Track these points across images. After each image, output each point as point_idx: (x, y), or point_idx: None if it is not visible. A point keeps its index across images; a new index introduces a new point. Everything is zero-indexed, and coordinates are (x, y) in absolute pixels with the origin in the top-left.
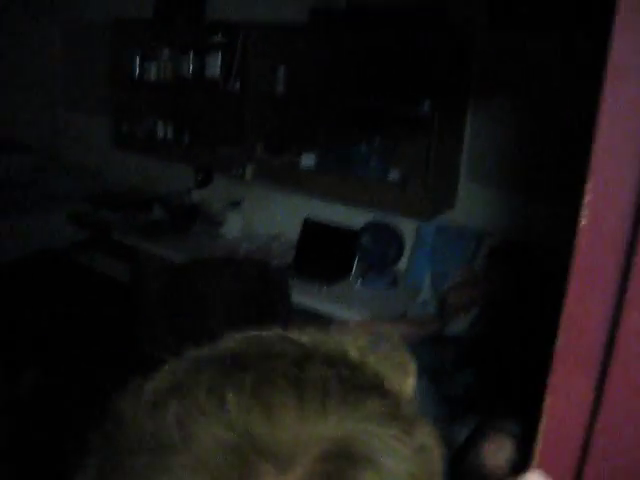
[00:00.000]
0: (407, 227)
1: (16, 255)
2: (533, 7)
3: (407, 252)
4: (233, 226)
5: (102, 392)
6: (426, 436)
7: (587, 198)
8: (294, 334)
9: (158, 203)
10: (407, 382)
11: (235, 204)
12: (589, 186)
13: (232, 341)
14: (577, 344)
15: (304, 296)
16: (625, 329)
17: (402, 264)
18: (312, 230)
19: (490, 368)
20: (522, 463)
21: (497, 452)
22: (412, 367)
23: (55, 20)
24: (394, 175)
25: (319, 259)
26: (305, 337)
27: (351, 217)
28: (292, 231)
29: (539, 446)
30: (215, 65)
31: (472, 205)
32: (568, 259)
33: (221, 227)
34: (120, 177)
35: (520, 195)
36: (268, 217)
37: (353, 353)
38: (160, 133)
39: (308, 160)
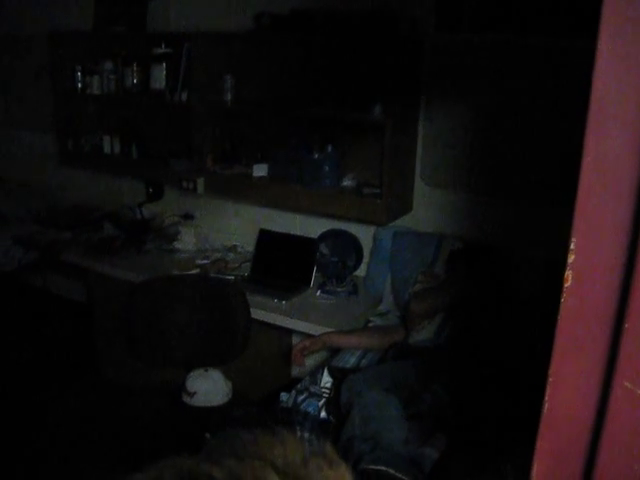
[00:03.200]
0: (364, 234)
1: None
2: (479, 8)
3: (365, 259)
4: (187, 240)
5: (59, 420)
6: None
7: (571, 259)
8: (205, 469)
9: (108, 220)
10: None
11: (188, 217)
12: (572, 247)
13: None
14: (564, 411)
15: (263, 311)
16: (614, 399)
17: (361, 271)
18: (268, 240)
19: (459, 383)
20: None
21: None
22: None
23: None
24: (348, 182)
25: (277, 269)
26: (218, 472)
27: (308, 226)
28: (248, 242)
29: (535, 466)
30: (160, 77)
31: (429, 208)
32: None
33: (175, 241)
34: (68, 195)
35: (476, 195)
36: (223, 229)
37: None
38: (107, 148)
39: (260, 170)
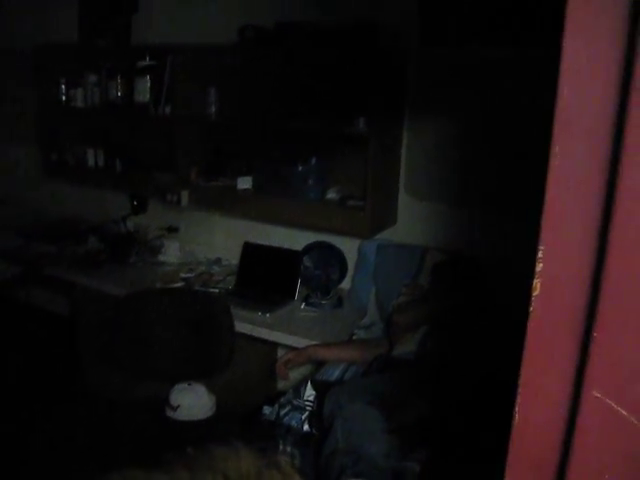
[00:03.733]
0: (349, 246)
1: None
2: (463, 22)
3: (350, 272)
4: (171, 253)
5: (42, 436)
6: None
7: (539, 267)
8: (155, 479)
9: (93, 233)
10: None
11: (172, 230)
12: (540, 255)
13: None
14: (535, 421)
15: (247, 324)
16: (583, 409)
17: (346, 284)
18: (253, 253)
19: (441, 396)
20: None
21: None
22: None
23: None
24: (332, 194)
25: (261, 283)
26: None
27: (292, 239)
28: (232, 255)
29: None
30: (144, 89)
31: (413, 220)
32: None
33: (159, 254)
34: (52, 208)
35: (460, 208)
36: (207, 242)
37: None
38: (91, 161)
39: (244, 183)
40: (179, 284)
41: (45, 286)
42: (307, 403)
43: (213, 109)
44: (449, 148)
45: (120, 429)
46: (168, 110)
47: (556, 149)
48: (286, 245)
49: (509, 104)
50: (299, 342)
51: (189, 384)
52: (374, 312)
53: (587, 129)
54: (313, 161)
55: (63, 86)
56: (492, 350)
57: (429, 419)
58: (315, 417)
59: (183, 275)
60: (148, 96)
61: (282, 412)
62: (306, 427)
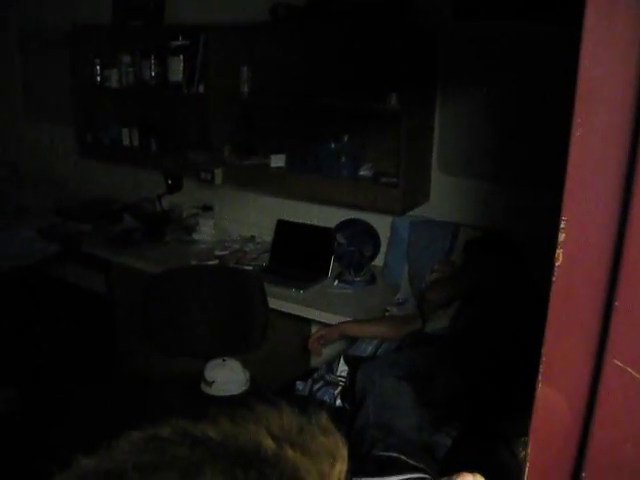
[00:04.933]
0: (382, 223)
1: None
2: None
3: (383, 249)
4: (206, 231)
5: (80, 410)
6: None
7: (561, 237)
8: (200, 429)
9: (128, 212)
10: (335, 469)
11: (207, 208)
12: (563, 225)
13: (128, 445)
14: (557, 390)
15: (281, 301)
16: (605, 377)
17: (379, 261)
18: (286, 231)
19: (473, 371)
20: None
21: None
22: (342, 452)
23: (11, 29)
24: (365, 171)
25: (295, 260)
26: (213, 431)
27: (325, 216)
28: (266, 233)
29: (530, 445)
30: (177, 69)
31: (446, 197)
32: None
33: (194, 232)
34: (88, 187)
35: (494, 184)
36: (241, 220)
37: (268, 443)
38: (126, 140)
39: (278, 161)
40: (213, 262)
41: (82, 264)
42: (340, 378)
43: (246, 87)
44: (482, 124)
45: (155, 404)
46: (201, 89)
47: (578, 120)
48: (319, 222)
49: (542, 79)
50: (332, 319)
51: (224, 360)
52: (407, 289)
53: (608, 100)
54: (346, 138)
55: (98, 67)
56: (524, 326)
57: (460, 393)
58: (348, 392)
59: (217, 253)
60: (181, 75)
61: (315, 387)
62: (339, 402)
